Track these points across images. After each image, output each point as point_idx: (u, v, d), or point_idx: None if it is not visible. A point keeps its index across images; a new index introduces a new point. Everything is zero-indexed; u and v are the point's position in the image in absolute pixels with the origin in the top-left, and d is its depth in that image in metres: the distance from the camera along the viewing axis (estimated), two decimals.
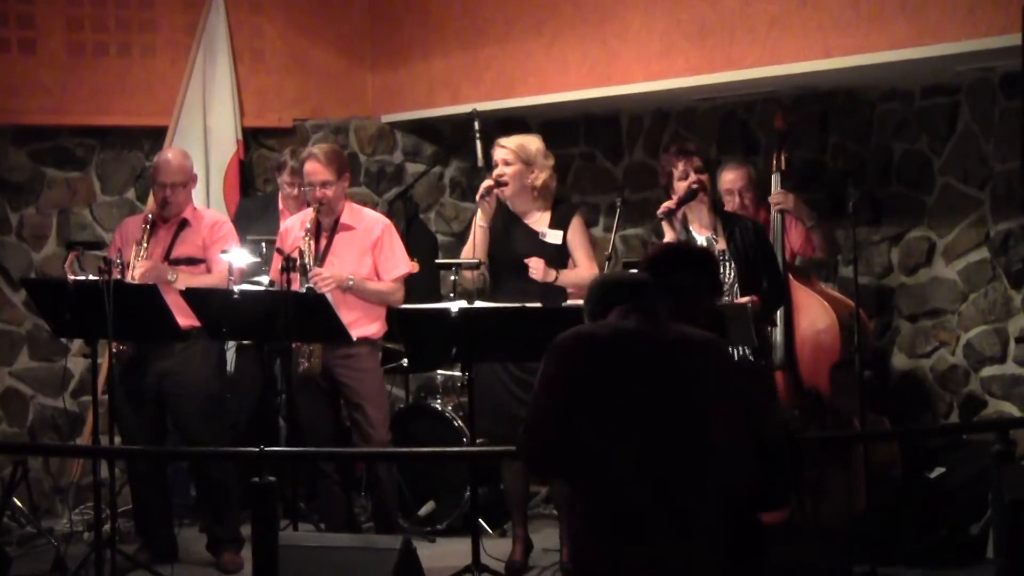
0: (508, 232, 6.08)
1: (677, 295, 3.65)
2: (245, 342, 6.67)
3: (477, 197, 6.10)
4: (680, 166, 5.65)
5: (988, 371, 6.29)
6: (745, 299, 5.51)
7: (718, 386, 3.44)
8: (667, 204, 5.66)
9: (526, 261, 5.94)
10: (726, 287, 5.57)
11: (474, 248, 6.07)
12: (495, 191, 6.04)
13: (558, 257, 6.02)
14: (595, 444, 3.39)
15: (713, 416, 3.41)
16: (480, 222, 6.08)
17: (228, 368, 6.63)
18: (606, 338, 3.48)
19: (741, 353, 5.48)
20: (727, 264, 5.61)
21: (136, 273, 5.96)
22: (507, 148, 6.10)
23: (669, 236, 5.64)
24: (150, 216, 6.23)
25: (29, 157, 7.47)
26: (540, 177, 6.09)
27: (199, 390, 6.17)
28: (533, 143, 6.16)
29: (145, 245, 6.09)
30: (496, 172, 6.07)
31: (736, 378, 3.54)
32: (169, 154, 6.38)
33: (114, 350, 5.80)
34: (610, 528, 3.38)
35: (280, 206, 6.95)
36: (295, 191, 6.79)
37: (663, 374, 3.43)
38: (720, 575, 3.44)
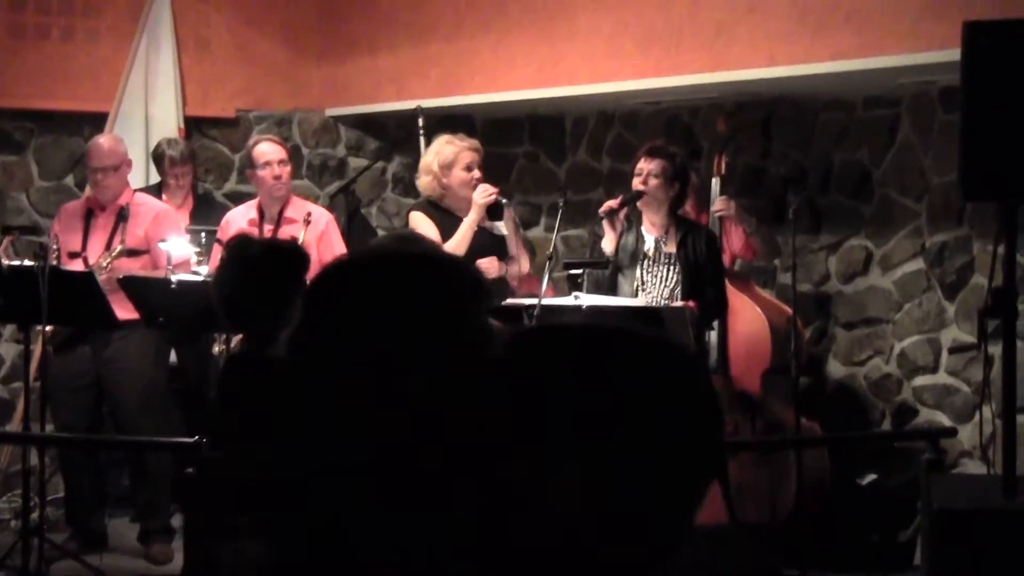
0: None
1: None
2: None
3: (482, 198, 5.85)
4: (639, 164, 5.66)
5: (920, 380, 6.36)
6: (682, 303, 5.54)
7: None
8: (609, 203, 5.67)
9: (479, 262, 5.66)
10: (668, 290, 5.62)
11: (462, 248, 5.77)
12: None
13: (505, 249, 5.98)
14: None
15: None
16: (481, 223, 5.87)
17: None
18: None
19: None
20: (672, 267, 5.65)
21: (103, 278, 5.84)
22: (479, 153, 5.95)
23: (609, 236, 5.66)
24: (88, 207, 6.17)
25: None
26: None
27: (138, 378, 6.10)
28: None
29: (116, 251, 5.99)
30: (482, 181, 5.86)
31: None
32: (101, 139, 6.35)
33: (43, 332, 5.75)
34: None
35: (164, 197, 6.72)
36: (176, 181, 6.72)
37: None
38: None
